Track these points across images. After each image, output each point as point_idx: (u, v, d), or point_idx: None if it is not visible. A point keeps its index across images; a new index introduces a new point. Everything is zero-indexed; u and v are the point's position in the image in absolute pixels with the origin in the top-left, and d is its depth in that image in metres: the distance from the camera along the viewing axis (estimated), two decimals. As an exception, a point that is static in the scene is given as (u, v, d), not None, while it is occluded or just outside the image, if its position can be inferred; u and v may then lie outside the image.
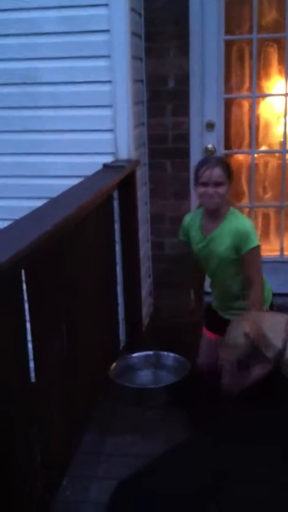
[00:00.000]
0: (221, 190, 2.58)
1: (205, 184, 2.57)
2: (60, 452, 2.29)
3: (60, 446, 2.29)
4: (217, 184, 2.57)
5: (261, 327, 2.31)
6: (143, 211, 3.56)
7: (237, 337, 2.35)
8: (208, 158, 2.77)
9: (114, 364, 2.87)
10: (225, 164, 2.65)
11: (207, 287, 2.96)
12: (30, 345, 2.01)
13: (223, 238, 2.61)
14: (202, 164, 2.63)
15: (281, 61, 3.73)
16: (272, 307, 2.82)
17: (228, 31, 3.65)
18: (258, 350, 2.32)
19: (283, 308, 3.32)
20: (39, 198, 2.55)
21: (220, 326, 2.84)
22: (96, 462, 2.42)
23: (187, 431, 2.57)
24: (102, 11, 3.03)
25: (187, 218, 2.82)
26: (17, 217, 2.11)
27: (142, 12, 3.46)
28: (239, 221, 2.62)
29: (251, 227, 2.62)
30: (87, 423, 2.61)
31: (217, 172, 2.57)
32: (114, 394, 2.77)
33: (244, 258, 2.60)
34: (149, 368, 2.97)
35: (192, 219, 2.79)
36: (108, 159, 3.13)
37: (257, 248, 2.60)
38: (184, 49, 3.54)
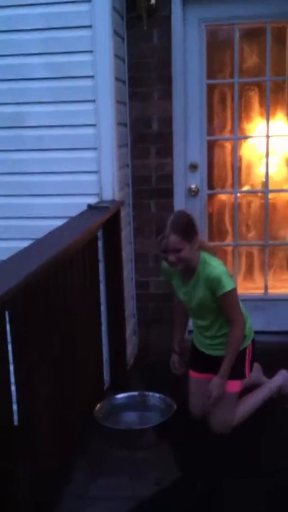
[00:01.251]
0: (182, 254, 2.62)
1: (165, 251, 2.63)
2: (46, 496, 2.26)
3: (46, 489, 2.25)
4: (176, 250, 2.61)
5: None
6: (127, 251, 3.59)
7: None
8: (165, 226, 2.61)
9: (98, 405, 2.84)
10: (181, 226, 2.62)
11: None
12: (13, 388, 2.01)
13: (199, 286, 2.70)
14: (159, 231, 2.66)
15: (262, 104, 3.84)
16: (253, 343, 2.85)
17: (210, 75, 3.77)
18: None
19: (267, 346, 3.36)
20: (25, 239, 2.57)
21: (205, 363, 2.87)
22: (82, 506, 2.37)
23: (176, 473, 2.55)
24: (87, 57, 3.12)
25: (165, 264, 2.84)
26: (2, 257, 2.13)
27: (126, 58, 3.56)
28: (210, 268, 2.67)
29: (222, 272, 2.66)
30: (73, 466, 2.58)
31: (172, 240, 2.59)
32: (100, 435, 2.74)
33: (220, 301, 2.67)
34: (134, 409, 2.94)
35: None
36: (93, 200, 3.17)
37: (231, 291, 2.66)
38: (167, 93, 3.64)
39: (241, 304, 2.81)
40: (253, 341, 2.87)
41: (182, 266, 2.67)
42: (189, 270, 2.72)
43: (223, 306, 2.70)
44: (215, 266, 2.69)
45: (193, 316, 2.88)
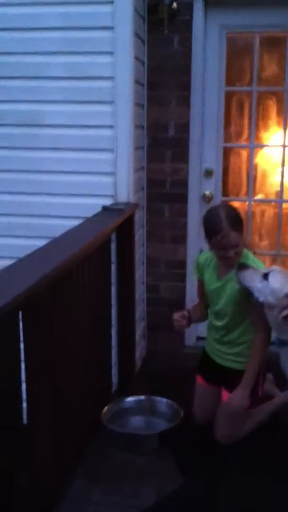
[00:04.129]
0: (239, 249, 2.60)
1: (223, 248, 2.59)
2: (49, 497, 2.23)
3: (49, 490, 2.23)
4: (236, 246, 2.59)
5: None
6: (139, 254, 3.57)
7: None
8: (221, 223, 2.55)
9: (106, 408, 2.82)
10: (238, 221, 2.62)
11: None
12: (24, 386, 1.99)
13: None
14: (216, 230, 2.57)
15: (279, 113, 3.82)
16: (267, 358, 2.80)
17: (228, 82, 3.75)
18: None
19: (275, 356, 3.32)
20: (39, 237, 2.58)
21: (214, 373, 2.83)
22: (83, 510, 2.35)
23: (178, 480, 2.52)
24: (107, 58, 3.12)
25: (202, 257, 2.85)
26: (18, 255, 2.12)
27: (146, 61, 3.56)
28: (254, 265, 2.63)
29: (262, 269, 2.61)
30: (77, 468, 2.55)
31: (233, 237, 2.56)
32: (106, 438, 2.71)
33: (253, 302, 2.60)
34: (142, 414, 2.92)
35: (206, 259, 2.81)
36: (107, 202, 3.16)
37: None
38: (185, 98, 3.63)
39: None
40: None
41: (237, 259, 2.62)
42: (227, 264, 2.68)
43: (253, 308, 2.62)
44: (256, 262, 2.67)
45: (216, 317, 2.78)
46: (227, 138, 3.86)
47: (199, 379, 2.93)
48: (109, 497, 2.44)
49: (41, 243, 2.33)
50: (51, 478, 2.25)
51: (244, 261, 2.64)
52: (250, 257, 2.69)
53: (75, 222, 2.76)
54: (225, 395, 2.76)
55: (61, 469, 2.38)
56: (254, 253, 2.77)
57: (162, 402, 2.93)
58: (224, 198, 3.88)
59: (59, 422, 2.31)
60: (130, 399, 2.95)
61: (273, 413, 2.91)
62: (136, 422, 2.89)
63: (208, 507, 2.35)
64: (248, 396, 2.67)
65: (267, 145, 3.93)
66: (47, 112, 3.21)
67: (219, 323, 2.78)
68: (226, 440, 2.74)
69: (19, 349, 1.92)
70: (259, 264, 2.68)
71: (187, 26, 3.56)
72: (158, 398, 2.95)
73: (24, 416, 2.02)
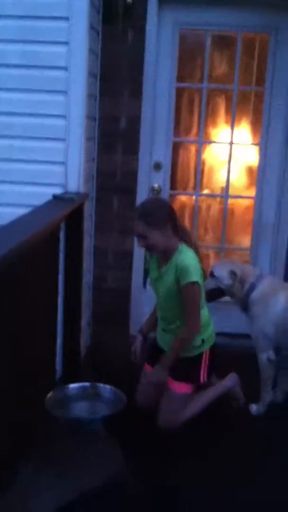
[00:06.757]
0: (148, 241, 2.67)
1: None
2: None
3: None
4: (141, 236, 2.67)
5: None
6: (87, 244, 3.61)
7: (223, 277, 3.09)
8: (136, 209, 2.78)
9: (50, 394, 2.85)
10: (146, 212, 2.68)
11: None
12: None
13: (170, 273, 2.73)
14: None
15: (228, 111, 3.94)
16: (213, 350, 2.90)
17: (180, 78, 3.84)
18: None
19: (218, 347, 3.44)
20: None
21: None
22: (27, 494, 2.39)
23: (121, 464, 2.59)
24: (62, 48, 3.13)
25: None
26: None
27: (100, 53, 3.59)
28: (182, 257, 2.71)
29: (192, 264, 2.69)
30: (21, 454, 2.58)
31: (138, 227, 2.67)
32: (50, 424, 2.75)
33: (182, 292, 2.70)
34: (86, 400, 2.96)
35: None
36: (58, 191, 3.18)
37: (194, 284, 2.68)
38: (137, 92, 3.69)
39: (206, 309, 2.88)
40: (214, 347, 2.92)
41: (156, 252, 2.72)
42: (165, 258, 2.76)
43: (183, 297, 2.71)
44: (188, 256, 2.72)
45: (160, 307, 2.90)
46: (177, 133, 3.95)
47: (146, 367, 3.01)
48: (53, 480, 2.47)
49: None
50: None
51: (177, 255, 2.72)
52: (184, 250, 2.74)
53: (24, 210, 2.76)
54: (170, 382, 2.85)
55: (7, 454, 2.41)
56: (196, 249, 2.82)
57: (106, 389, 2.97)
58: (172, 192, 3.97)
59: (4, 407, 2.34)
60: (74, 385, 2.98)
61: (216, 400, 3.03)
62: (80, 408, 2.92)
63: (148, 493, 2.44)
64: (186, 382, 2.82)
65: (215, 142, 4.04)
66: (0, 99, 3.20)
67: (161, 313, 2.91)
68: (166, 426, 2.83)
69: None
70: (191, 256, 2.72)
71: (142, 20, 3.62)
72: (102, 385, 2.98)
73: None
